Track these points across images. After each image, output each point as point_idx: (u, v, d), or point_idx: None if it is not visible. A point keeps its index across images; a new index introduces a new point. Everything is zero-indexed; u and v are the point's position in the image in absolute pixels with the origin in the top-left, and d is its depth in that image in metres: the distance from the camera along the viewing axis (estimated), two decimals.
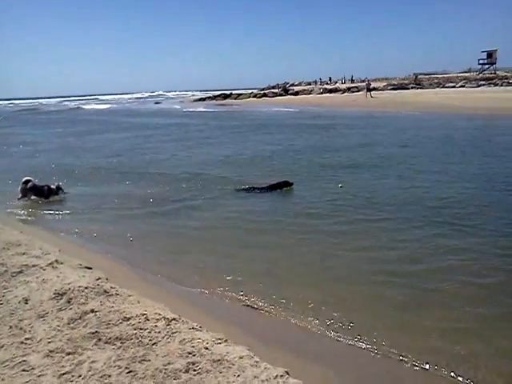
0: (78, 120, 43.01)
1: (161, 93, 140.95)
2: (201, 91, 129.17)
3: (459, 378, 4.21)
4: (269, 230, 8.41)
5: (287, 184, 11.56)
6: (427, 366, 4.36)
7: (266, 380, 3.57)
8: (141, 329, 4.27)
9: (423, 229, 8.11)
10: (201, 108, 54.99)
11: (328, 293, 5.87)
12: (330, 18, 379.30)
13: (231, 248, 7.58)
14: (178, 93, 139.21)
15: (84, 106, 72.78)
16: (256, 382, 3.52)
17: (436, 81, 66.07)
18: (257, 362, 3.85)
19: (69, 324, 4.35)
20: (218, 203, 10.49)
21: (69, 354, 3.85)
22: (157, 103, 79.47)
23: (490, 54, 70.09)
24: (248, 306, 5.64)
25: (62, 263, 6.03)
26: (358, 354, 4.64)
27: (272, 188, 11.41)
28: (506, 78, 60.66)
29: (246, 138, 22.76)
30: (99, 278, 5.49)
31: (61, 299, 4.84)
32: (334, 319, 5.21)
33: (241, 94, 74.36)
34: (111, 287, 5.21)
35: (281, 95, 67.03)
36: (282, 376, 3.65)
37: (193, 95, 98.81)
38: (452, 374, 4.26)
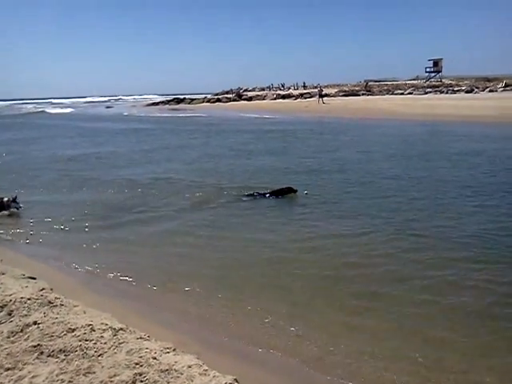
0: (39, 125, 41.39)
1: (121, 97, 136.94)
2: (159, 95, 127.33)
3: None
4: (224, 238, 8.39)
5: (291, 190, 11.41)
6: None
7: None
8: (86, 340, 4.14)
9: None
10: (155, 113, 54.26)
11: (278, 301, 5.90)
12: (284, 24, 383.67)
13: (181, 254, 7.50)
14: (136, 97, 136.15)
15: (48, 110, 69.41)
16: None
17: (386, 88, 67.98)
18: (206, 370, 3.80)
19: (9, 338, 4.16)
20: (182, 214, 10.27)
21: (8, 369, 3.68)
22: (108, 107, 77.77)
23: (436, 63, 73.01)
24: (199, 314, 5.59)
25: (3, 273, 5.78)
26: (307, 362, 4.67)
27: (276, 194, 11.28)
28: (451, 86, 63.26)
29: (204, 144, 22.62)
30: (43, 289, 5.29)
31: (1, 312, 4.63)
32: (285, 327, 5.24)
33: (194, 99, 73.93)
34: (56, 298, 5.02)
35: (235, 100, 67.09)
36: None
37: (150, 99, 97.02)
38: None
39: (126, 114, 53.40)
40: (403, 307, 5.60)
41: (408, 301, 5.77)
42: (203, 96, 77.72)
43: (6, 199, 10.06)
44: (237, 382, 3.67)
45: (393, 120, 32.26)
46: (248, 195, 11.30)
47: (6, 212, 10.23)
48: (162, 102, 75.93)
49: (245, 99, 67.63)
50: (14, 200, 10.09)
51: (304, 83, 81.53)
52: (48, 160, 18.30)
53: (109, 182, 13.38)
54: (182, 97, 78.30)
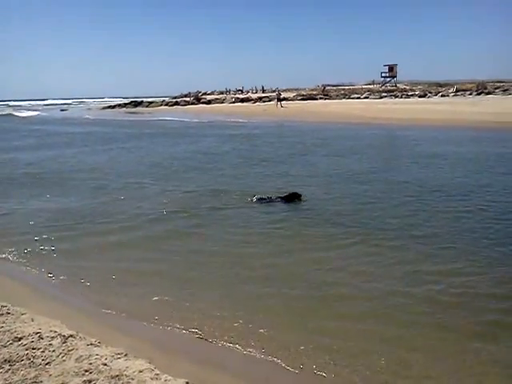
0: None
1: (84, 100, 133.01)
2: (117, 98, 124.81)
3: None
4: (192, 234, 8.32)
5: (296, 196, 10.96)
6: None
7: None
8: (33, 348, 4.03)
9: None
10: (112, 116, 53.27)
11: (237, 305, 5.90)
12: (241, 28, 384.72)
13: (136, 260, 7.40)
14: (93, 100, 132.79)
15: (16, 113, 66.33)
16: None
17: (342, 92, 69.27)
18: (157, 374, 3.78)
19: None
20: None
21: None
22: (62, 110, 75.76)
23: (391, 68, 75.01)
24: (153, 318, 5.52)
25: None
26: (259, 364, 4.69)
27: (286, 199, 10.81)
28: (405, 91, 65.14)
29: (170, 147, 22.22)
30: None
31: None
32: (241, 331, 5.24)
33: (152, 102, 73.11)
34: (2, 306, 4.87)
35: (193, 104, 66.82)
36: None
37: (109, 102, 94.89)
38: None
39: (92, 118, 51.98)
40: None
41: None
42: (161, 99, 76.99)
43: None
44: None
45: (351, 124, 32.83)
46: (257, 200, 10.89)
47: None
48: (119, 105, 74.69)
49: (203, 102, 67.48)
50: None
51: (263, 87, 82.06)
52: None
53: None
54: (139, 100, 77.22)
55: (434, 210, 9.89)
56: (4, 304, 4.94)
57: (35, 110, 73.72)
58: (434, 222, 9.05)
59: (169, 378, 3.71)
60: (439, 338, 4.99)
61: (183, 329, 5.22)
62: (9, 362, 3.81)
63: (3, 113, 65.20)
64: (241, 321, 5.35)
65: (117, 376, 3.69)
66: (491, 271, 6.64)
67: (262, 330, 5.14)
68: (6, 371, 3.69)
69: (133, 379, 3.67)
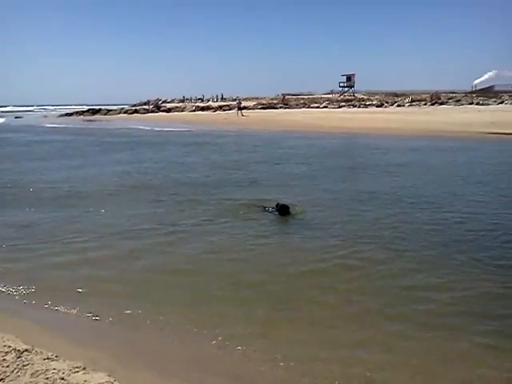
0: None
1: (45, 107, 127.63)
2: (77, 105, 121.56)
3: None
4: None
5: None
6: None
7: None
8: None
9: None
10: (69, 124, 51.98)
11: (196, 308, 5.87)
12: (201, 34, 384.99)
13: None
14: (53, 107, 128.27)
15: None
16: None
17: (302, 101, 70.29)
18: None
19: None
20: None
21: None
22: (17, 117, 73.36)
23: (349, 78, 76.73)
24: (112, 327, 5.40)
25: None
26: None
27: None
28: (363, 100, 66.73)
29: (135, 157, 21.62)
30: None
31: None
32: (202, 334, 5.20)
33: (111, 110, 72.01)
34: None
35: (153, 112, 66.24)
36: None
37: (71, 109, 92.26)
38: None
39: (49, 125, 50.34)
40: None
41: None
42: (120, 107, 75.90)
43: None
44: None
45: (312, 132, 33.40)
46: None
47: None
48: (77, 113, 73.18)
49: (163, 111, 67.07)
50: None
51: (222, 95, 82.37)
52: None
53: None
54: (97, 108, 75.87)
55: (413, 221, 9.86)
56: None
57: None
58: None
59: None
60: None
61: (142, 341, 5.14)
62: None
63: None
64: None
65: None
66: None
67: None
68: None
69: None
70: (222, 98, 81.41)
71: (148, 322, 5.52)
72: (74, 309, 5.86)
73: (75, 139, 31.26)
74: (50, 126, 49.72)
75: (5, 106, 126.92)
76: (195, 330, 5.32)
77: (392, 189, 13.16)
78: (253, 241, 8.51)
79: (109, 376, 3.85)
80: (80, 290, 6.42)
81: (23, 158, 21.12)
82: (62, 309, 5.87)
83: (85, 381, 3.72)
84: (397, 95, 73.65)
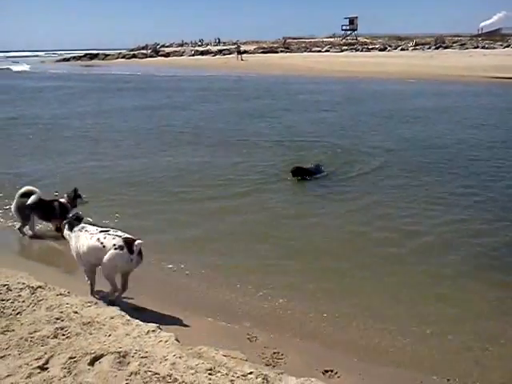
0: None
1: (37, 54, 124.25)
2: (66, 51, 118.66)
3: None
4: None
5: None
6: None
7: (138, 336, 3.63)
8: (2, 300, 4.05)
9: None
10: (69, 70, 50.91)
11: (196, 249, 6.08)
12: None
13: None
14: (44, 52, 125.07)
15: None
16: (127, 339, 3.57)
17: (304, 45, 68.67)
18: (128, 320, 3.89)
19: None
20: None
21: None
22: (14, 63, 71.83)
23: (351, 21, 74.66)
24: None
25: None
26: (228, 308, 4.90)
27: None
28: (366, 44, 65.12)
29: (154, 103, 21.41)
30: None
31: None
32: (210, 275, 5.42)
33: (108, 55, 70.60)
34: None
35: (151, 57, 65.01)
36: (153, 331, 3.73)
37: (61, 55, 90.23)
38: None
39: (50, 71, 49.18)
40: None
41: None
42: (117, 52, 74.29)
43: (64, 200, 6.64)
44: (159, 328, 3.80)
45: (318, 77, 32.77)
46: None
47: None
48: (74, 58, 71.75)
49: (162, 55, 65.77)
50: (77, 195, 6.75)
51: (219, 39, 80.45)
52: None
53: None
54: (94, 52, 74.25)
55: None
56: None
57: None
58: None
59: (140, 323, 3.84)
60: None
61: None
62: None
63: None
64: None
65: (88, 323, 3.78)
66: None
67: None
68: None
69: (104, 325, 3.77)
70: (219, 42, 79.43)
71: (155, 262, 5.72)
72: None
73: (86, 86, 30.63)
74: (54, 71, 48.51)
75: None
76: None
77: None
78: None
79: (120, 310, 4.05)
80: None
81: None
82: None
83: (97, 314, 3.92)
84: (400, 39, 71.85)
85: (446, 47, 56.79)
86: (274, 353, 4.09)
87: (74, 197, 6.63)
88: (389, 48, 59.77)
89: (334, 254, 6.01)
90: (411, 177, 9.35)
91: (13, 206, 6.39)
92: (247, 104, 20.77)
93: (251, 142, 12.65)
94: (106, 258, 4.43)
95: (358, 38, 73.40)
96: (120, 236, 4.52)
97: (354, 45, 65.07)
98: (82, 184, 7.77)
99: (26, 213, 6.35)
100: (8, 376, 3.09)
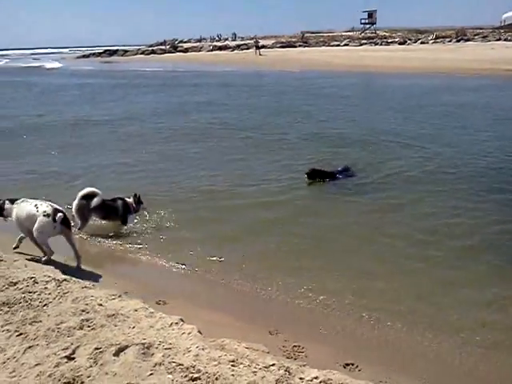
0: None
1: (55, 50, 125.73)
2: (79, 48, 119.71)
3: None
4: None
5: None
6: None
7: (162, 328, 3.70)
8: (30, 292, 4.16)
9: None
10: (90, 66, 51.38)
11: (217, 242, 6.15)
12: None
13: None
14: (52, 50, 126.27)
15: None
16: (151, 331, 3.63)
17: (322, 39, 68.23)
18: (152, 312, 3.95)
19: None
20: None
21: None
22: (35, 60, 72.99)
23: (370, 14, 73.84)
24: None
25: None
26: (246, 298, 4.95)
27: None
28: (385, 38, 64.39)
29: (173, 99, 21.62)
30: None
31: None
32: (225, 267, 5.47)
33: (127, 51, 71.21)
34: None
35: (170, 52, 65.39)
36: (176, 323, 3.79)
37: (80, 52, 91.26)
38: None
39: (72, 68, 49.65)
40: None
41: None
42: (137, 48, 74.89)
43: (129, 199, 6.83)
44: (182, 321, 3.86)
45: (338, 72, 32.47)
46: None
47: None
48: (93, 54, 72.58)
49: (180, 51, 66.03)
50: (139, 200, 6.88)
51: (235, 34, 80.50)
52: None
53: None
54: (114, 49, 74.97)
55: None
56: None
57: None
58: None
59: (163, 315, 3.90)
60: None
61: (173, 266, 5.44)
62: (7, 304, 3.94)
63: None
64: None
65: (113, 315, 3.85)
66: None
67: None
68: (6, 312, 3.82)
69: (128, 317, 3.84)
70: (235, 37, 79.46)
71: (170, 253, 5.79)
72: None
73: (114, 83, 30.78)
74: (87, 68, 48.97)
75: (15, 49, 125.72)
76: None
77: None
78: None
79: (144, 303, 4.12)
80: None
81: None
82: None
83: (122, 307, 4.00)
84: (420, 32, 70.81)
85: (467, 40, 55.82)
86: (295, 346, 4.12)
87: (138, 202, 6.79)
88: (408, 41, 59.01)
89: (355, 251, 5.99)
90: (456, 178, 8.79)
91: (73, 207, 6.44)
92: (273, 98, 20.79)
93: (283, 137, 12.58)
94: (36, 223, 5.24)
95: (377, 32, 72.59)
96: (52, 206, 5.33)
97: (373, 39, 64.39)
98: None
99: (85, 214, 6.47)
100: (37, 365, 3.18)
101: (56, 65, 56.05)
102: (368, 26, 75.18)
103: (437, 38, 59.82)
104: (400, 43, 57.89)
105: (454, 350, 4.11)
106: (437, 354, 4.09)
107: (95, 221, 6.81)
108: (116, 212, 6.66)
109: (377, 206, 7.44)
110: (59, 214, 5.26)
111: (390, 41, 60.97)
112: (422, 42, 57.70)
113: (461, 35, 58.63)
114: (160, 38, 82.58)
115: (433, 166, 9.62)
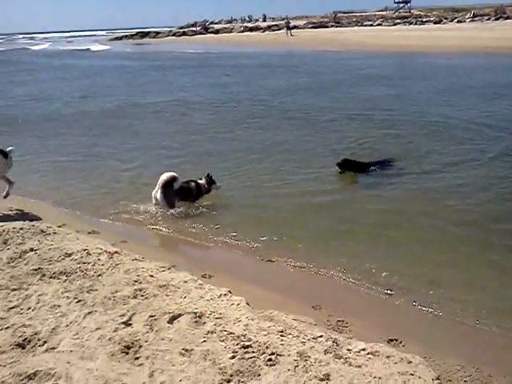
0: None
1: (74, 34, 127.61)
2: (108, 31, 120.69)
3: None
4: None
5: None
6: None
7: (211, 299, 3.84)
8: (84, 263, 4.36)
9: None
10: (128, 48, 51.71)
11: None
12: None
13: None
14: (79, 33, 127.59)
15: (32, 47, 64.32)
16: (201, 301, 3.78)
17: (354, 19, 66.98)
18: (201, 284, 4.10)
19: (9, 263, 4.34)
20: None
21: (14, 289, 3.88)
22: (69, 42, 74.12)
23: None
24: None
25: None
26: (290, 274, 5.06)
27: None
28: (420, 17, 62.72)
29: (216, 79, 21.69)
30: (33, 219, 5.43)
31: None
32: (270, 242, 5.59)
33: (159, 33, 71.52)
34: (48, 227, 5.19)
35: (201, 34, 65.34)
36: (225, 295, 3.93)
37: (109, 35, 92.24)
38: None
39: (112, 50, 50.23)
40: None
41: None
42: (168, 30, 75.12)
43: (201, 180, 7.03)
44: (230, 293, 3.99)
45: (372, 52, 31.78)
46: None
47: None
48: (125, 37, 73.21)
49: (211, 32, 65.89)
50: (212, 180, 7.11)
51: (264, 15, 79.88)
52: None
53: None
54: (146, 31, 75.44)
55: None
56: (49, 225, 5.27)
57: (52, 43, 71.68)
58: None
59: (212, 287, 4.04)
60: None
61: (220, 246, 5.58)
62: (64, 273, 4.15)
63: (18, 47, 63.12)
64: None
65: (164, 285, 4.02)
66: None
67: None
68: (64, 281, 4.03)
69: (179, 288, 4.00)
70: (264, 19, 78.80)
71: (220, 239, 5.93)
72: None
73: (147, 64, 30.89)
74: (118, 51, 49.44)
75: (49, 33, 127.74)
76: None
77: None
78: None
79: (192, 275, 4.28)
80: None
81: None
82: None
83: (172, 278, 4.16)
84: (456, 10, 68.63)
85: (507, 17, 53.80)
86: (339, 321, 4.20)
87: (210, 182, 6.99)
88: (444, 20, 57.37)
89: (400, 236, 5.95)
90: None
91: (158, 195, 6.49)
92: (312, 79, 20.59)
93: (330, 119, 12.40)
94: None
95: (412, 11, 70.70)
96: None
97: (407, 18, 62.79)
98: None
99: (172, 201, 6.58)
100: (97, 329, 3.37)
101: (100, 47, 56.52)
102: (402, 4, 73.29)
103: (474, 16, 57.87)
104: (435, 22, 56.35)
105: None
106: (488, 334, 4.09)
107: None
108: (191, 194, 6.82)
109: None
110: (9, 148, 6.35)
111: (424, 20, 59.39)
112: (458, 21, 55.99)
113: (500, 13, 56.53)
114: (191, 20, 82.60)
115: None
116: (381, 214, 6.47)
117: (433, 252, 5.43)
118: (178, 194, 6.63)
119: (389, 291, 4.67)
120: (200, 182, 6.93)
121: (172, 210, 6.53)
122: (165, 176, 6.47)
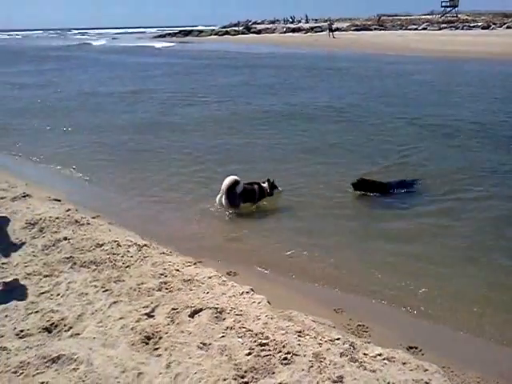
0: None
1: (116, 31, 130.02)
2: (154, 28, 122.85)
3: None
4: None
5: None
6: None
7: (234, 296, 3.92)
8: (114, 254, 4.52)
9: None
10: (182, 47, 52.33)
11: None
12: None
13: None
14: (122, 30, 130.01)
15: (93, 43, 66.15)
16: (223, 298, 3.86)
17: (399, 22, 65.85)
18: (224, 281, 4.19)
19: (43, 250, 4.55)
20: None
21: (46, 276, 4.07)
22: (114, 39, 75.94)
23: None
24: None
25: (30, 196, 6.12)
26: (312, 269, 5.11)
27: None
28: (467, 22, 61.08)
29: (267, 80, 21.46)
30: (69, 210, 5.65)
31: (33, 228, 5.00)
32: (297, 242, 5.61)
33: (202, 32, 72.36)
34: (82, 217, 5.39)
35: (243, 33, 65.69)
36: (247, 292, 4.01)
37: (149, 33, 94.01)
38: None
39: (157, 47, 50.90)
40: None
41: None
42: (211, 29, 75.97)
43: (264, 184, 7.08)
44: (252, 291, 4.06)
45: (417, 57, 30.84)
46: None
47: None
48: (169, 34, 74.40)
49: (254, 32, 66.18)
50: (273, 185, 7.19)
51: (306, 16, 79.46)
52: None
53: None
54: (189, 29, 76.49)
55: None
56: (84, 216, 5.47)
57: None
58: None
59: (235, 284, 4.12)
60: None
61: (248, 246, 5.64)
62: (94, 263, 4.31)
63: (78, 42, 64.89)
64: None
65: (189, 280, 4.12)
66: None
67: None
68: (93, 270, 4.20)
69: (203, 283, 4.10)
70: (307, 20, 78.44)
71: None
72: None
73: (195, 63, 30.67)
74: (160, 46, 50.18)
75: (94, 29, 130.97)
76: None
77: None
78: None
79: (217, 271, 4.37)
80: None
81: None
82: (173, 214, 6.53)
83: (196, 273, 4.27)
84: (507, 16, 66.42)
85: None
86: (359, 325, 4.19)
87: (272, 186, 7.07)
88: (493, 26, 55.65)
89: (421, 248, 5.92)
90: None
91: (223, 200, 6.54)
92: (360, 83, 20.10)
93: (381, 122, 12.12)
94: None
95: (459, 15, 68.99)
96: None
97: (453, 22, 61.30)
98: None
99: (237, 203, 6.67)
100: (120, 318, 3.50)
101: (165, 44, 57.36)
102: (449, 9, 71.55)
103: None
104: (483, 27, 54.72)
105: None
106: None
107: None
108: (254, 196, 6.89)
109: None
110: None
111: (472, 25, 57.78)
112: (508, 27, 54.20)
113: None
114: (234, 20, 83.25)
115: None
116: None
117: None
118: (242, 196, 6.70)
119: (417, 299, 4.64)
120: (263, 185, 7.00)
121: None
122: (228, 180, 6.54)
